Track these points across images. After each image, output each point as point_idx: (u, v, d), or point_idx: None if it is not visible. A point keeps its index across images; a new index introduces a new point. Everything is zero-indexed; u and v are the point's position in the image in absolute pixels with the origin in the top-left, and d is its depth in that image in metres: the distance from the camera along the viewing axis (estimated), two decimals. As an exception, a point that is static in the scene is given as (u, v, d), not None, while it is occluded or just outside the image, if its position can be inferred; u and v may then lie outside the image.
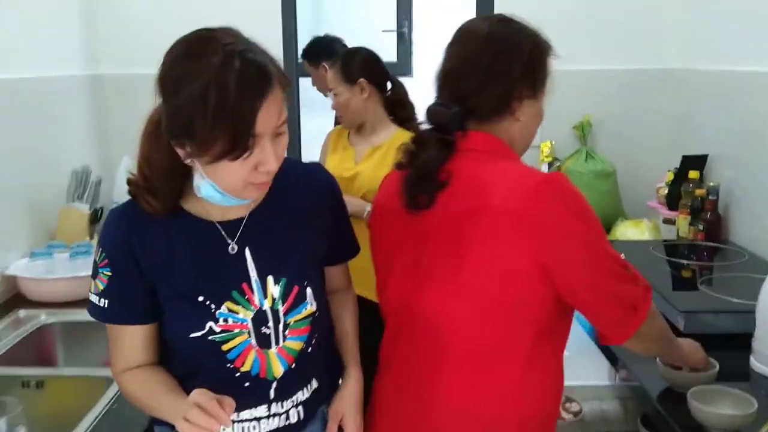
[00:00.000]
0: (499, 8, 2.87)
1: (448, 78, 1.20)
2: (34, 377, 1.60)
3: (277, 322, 1.16)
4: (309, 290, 1.18)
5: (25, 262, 2.08)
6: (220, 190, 1.06)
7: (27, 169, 2.23)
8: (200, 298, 1.12)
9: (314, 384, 1.25)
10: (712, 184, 2.38)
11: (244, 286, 1.14)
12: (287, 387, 1.20)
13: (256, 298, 1.14)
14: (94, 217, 2.34)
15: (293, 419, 1.22)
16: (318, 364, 1.25)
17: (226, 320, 1.12)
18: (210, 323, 1.12)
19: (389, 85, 2.25)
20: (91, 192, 2.35)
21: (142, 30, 2.79)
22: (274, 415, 1.19)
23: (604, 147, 2.86)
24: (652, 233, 2.52)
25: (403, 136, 2.02)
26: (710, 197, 2.36)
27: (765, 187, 2.17)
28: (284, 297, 1.16)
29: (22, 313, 1.95)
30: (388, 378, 1.28)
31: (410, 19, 3.68)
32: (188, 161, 1.04)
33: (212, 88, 0.96)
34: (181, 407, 1.03)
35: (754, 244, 2.19)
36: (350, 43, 2.85)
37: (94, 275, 1.15)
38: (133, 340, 1.16)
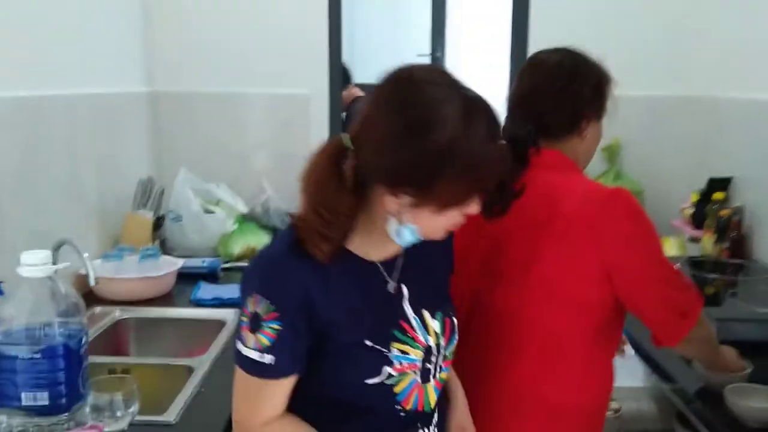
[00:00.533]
0: (532, 38, 3.04)
1: (522, 100, 1.37)
2: (120, 365, 1.75)
3: (438, 356, 1.16)
4: (455, 320, 1.21)
5: (99, 263, 2.23)
6: (418, 235, 1.05)
7: (98, 178, 2.40)
8: (368, 343, 1.08)
9: None
10: (737, 204, 2.53)
11: (403, 323, 1.12)
12: (436, 415, 1.22)
13: (420, 336, 1.13)
14: (157, 223, 2.50)
15: None
16: None
17: (400, 363, 1.10)
18: (386, 367, 1.08)
19: None
20: (155, 201, 2.51)
21: (193, 51, 2.97)
22: None
23: (631, 168, 3.01)
24: (678, 250, 2.67)
25: None
26: (735, 217, 2.51)
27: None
28: (443, 331, 1.17)
29: (97, 309, 2.09)
30: (457, 368, 1.43)
31: (443, 44, 3.88)
32: (394, 208, 1.02)
33: (461, 139, 0.95)
34: None
35: (776, 260, 2.34)
36: (387, 67, 3.06)
37: (255, 329, 1.05)
38: (285, 391, 1.09)
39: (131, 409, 1.29)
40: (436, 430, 1.22)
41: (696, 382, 1.60)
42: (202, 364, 1.74)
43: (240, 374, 1.10)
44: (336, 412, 1.12)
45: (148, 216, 2.49)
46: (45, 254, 1.28)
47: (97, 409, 1.28)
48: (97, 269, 2.19)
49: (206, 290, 2.29)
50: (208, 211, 2.72)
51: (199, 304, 2.20)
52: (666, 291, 1.29)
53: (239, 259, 2.65)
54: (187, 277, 2.37)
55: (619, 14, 2.96)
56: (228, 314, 2.11)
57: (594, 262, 1.23)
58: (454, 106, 0.97)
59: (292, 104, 3.04)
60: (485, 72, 3.78)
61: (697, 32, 2.90)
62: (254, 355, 1.06)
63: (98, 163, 2.41)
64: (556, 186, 1.29)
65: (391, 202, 1.02)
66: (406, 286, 1.14)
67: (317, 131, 3.04)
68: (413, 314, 1.13)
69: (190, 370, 1.71)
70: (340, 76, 3.10)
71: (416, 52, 3.76)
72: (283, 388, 1.09)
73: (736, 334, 1.79)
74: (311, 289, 1.05)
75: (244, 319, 1.07)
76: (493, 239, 1.34)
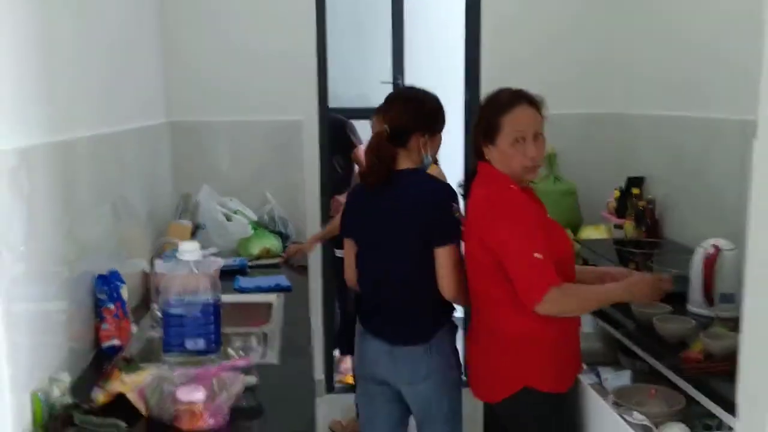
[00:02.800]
0: (484, 69, 3.71)
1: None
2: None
3: None
4: None
5: (159, 263, 2.74)
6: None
7: (146, 193, 2.90)
8: None
9: None
10: (650, 197, 3.27)
11: None
12: None
13: None
14: (195, 229, 3.02)
15: None
16: None
17: None
18: None
19: None
20: (192, 211, 3.04)
21: (200, 86, 3.50)
22: None
23: (566, 172, 3.72)
24: (606, 234, 3.39)
25: None
26: (649, 207, 3.25)
27: (688, 200, 3.07)
28: None
29: (153, 306, 2.59)
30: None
31: (403, 72, 4.52)
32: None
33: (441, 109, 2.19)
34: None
35: (681, 238, 3.08)
36: (353, 92, 3.75)
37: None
38: None
39: (257, 351, 1.86)
40: None
41: (632, 322, 2.28)
42: (272, 330, 2.30)
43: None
44: None
45: (188, 224, 3.01)
46: (195, 244, 1.83)
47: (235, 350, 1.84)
48: (159, 268, 2.72)
49: (244, 281, 2.83)
50: (228, 220, 3.26)
51: (243, 291, 2.74)
52: (516, 269, 1.90)
53: (258, 258, 3.20)
54: (222, 273, 2.90)
55: (555, 48, 3.66)
56: (270, 297, 2.67)
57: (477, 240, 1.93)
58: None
59: (287, 128, 3.61)
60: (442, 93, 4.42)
61: (617, 61, 3.65)
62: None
63: (142, 183, 2.91)
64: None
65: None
66: None
67: (309, 150, 3.63)
68: None
69: (264, 335, 2.27)
70: (326, 102, 3.69)
71: (380, 79, 4.39)
72: None
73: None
74: None
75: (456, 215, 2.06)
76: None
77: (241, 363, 1.75)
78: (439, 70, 4.44)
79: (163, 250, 2.60)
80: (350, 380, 4.11)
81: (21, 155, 1.57)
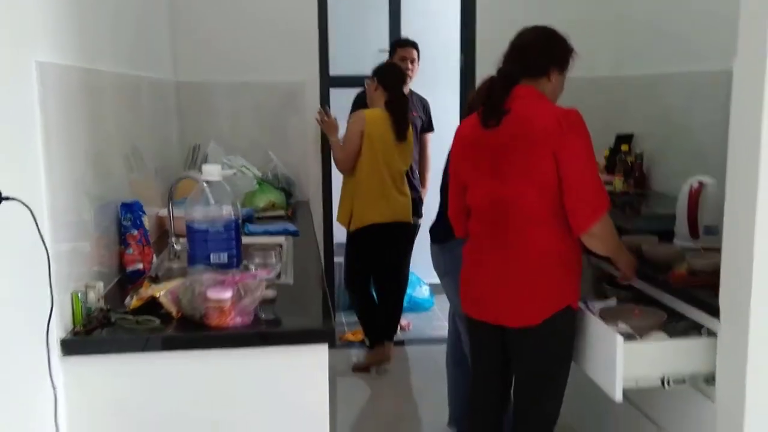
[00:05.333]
0: (478, 33, 3.86)
1: (514, 51, 2.15)
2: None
3: None
4: None
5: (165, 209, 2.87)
6: None
7: (157, 145, 3.03)
8: None
9: None
10: (638, 152, 3.43)
11: None
12: None
13: None
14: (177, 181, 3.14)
15: None
16: None
17: None
18: None
19: None
20: (201, 163, 3.16)
21: (206, 48, 3.63)
22: None
23: (557, 134, 3.88)
24: (597, 190, 3.55)
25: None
26: (637, 162, 3.41)
27: (670, 155, 3.24)
28: None
29: (172, 240, 2.73)
30: (481, 240, 2.18)
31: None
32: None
33: None
34: None
35: (666, 188, 3.25)
36: (356, 60, 3.95)
37: None
38: None
39: (277, 266, 1.99)
40: None
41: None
42: (285, 262, 2.44)
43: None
44: None
45: (188, 175, 3.13)
46: (218, 167, 1.97)
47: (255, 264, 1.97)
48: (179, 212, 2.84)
49: (253, 227, 2.97)
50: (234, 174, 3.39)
51: (252, 234, 2.88)
52: (582, 185, 1.99)
53: (264, 210, 3.33)
54: (231, 221, 3.05)
55: (547, 12, 3.76)
56: (280, 239, 2.81)
57: (550, 156, 2.00)
58: None
59: (290, 90, 3.75)
60: (439, 57, 4.58)
61: (606, 23, 3.81)
62: None
63: (154, 134, 3.03)
64: (529, 109, 2.07)
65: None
66: None
67: (311, 110, 3.76)
68: None
69: (280, 246, 2.42)
70: (327, 65, 3.82)
71: (377, 47, 4.53)
72: None
73: (650, 225, 2.67)
74: None
75: None
76: (494, 154, 2.10)
77: (263, 274, 1.89)
78: (435, 35, 4.60)
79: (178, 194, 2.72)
80: (349, 337, 4.27)
81: (58, 71, 1.70)
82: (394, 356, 3.94)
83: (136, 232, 2.20)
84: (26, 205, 1.36)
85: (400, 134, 3.66)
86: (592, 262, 2.56)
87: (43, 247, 1.50)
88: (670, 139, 3.28)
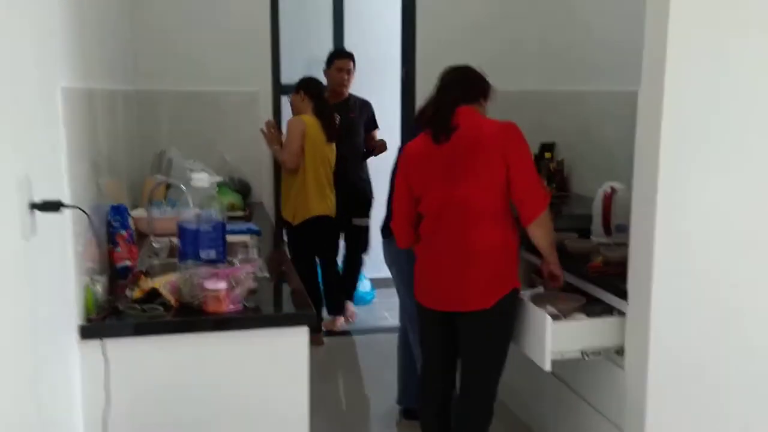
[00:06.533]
0: (419, 38, 4.21)
1: (453, 83, 2.52)
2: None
3: None
4: None
5: (143, 210, 3.11)
6: None
7: (126, 151, 3.25)
8: None
9: None
10: (560, 159, 3.88)
11: None
12: None
13: None
14: (168, 186, 3.38)
15: None
16: None
17: None
18: None
19: None
20: (166, 168, 3.40)
21: (164, 58, 3.86)
22: None
23: (489, 141, 4.29)
24: (524, 192, 3.97)
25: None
26: (559, 167, 3.85)
27: (587, 162, 3.70)
28: None
29: (152, 239, 2.98)
30: (435, 239, 2.53)
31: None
32: None
33: None
34: None
35: (583, 191, 3.70)
36: (302, 70, 4.30)
37: None
38: None
39: (258, 260, 2.29)
40: None
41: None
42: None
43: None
44: None
45: (163, 179, 3.37)
46: (206, 175, 2.25)
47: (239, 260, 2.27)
48: (145, 213, 3.09)
49: (218, 227, 3.23)
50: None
51: (219, 234, 3.14)
52: (530, 182, 2.40)
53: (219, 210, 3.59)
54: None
55: (480, 32, 4.20)
56: (245, 238, 3.09)
57: (500, 160, 2.38)
58: None
59: (244, 98, 4.02)
60: (381, 71, 4.93)
61: (531, 45, 4.24)
62: None
63: (123, 142, 3.26)
64: (478, 122, 2.45)
65: None
66: None
67: (264, 117, 4.05)
68: None
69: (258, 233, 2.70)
70: (279, 75, 4.12)
71: (322, 58, 4.84)
72: None
73: (571, 223, 3.09)
74: None
75: None
76: (447, 164, 2.46)
77: (248, 268, 2.19)
78: (377, 49, 4.96)
79: (153, 197, 2.97)
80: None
81: (73, 94, 1.95)
82: (343, 345, 4.33)
83: (124, 232, 2.44)
84: (84, 212, 1.62)
85: (330, 136, 4.18)
86: (523, 256, 2.96)
87: (72, 248, 1.76)
88: (586, 149, 3.74)
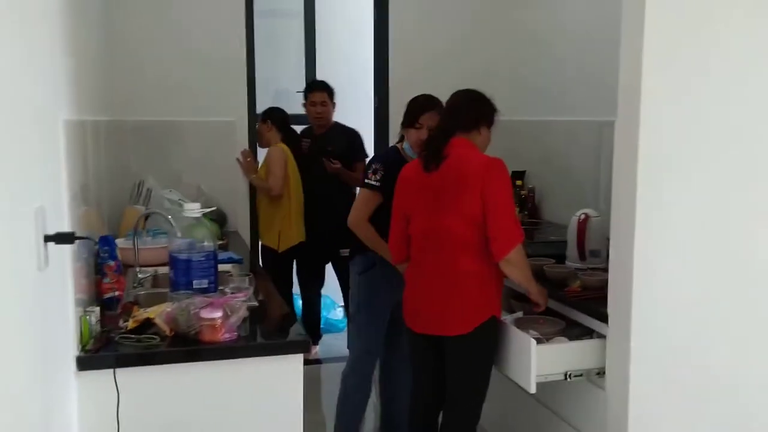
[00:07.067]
0: (391, 80, 4.32)
1: (449, 110, 2.60)
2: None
3: None
4: None
5: (123, 241, 3.10)
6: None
7: (105, 182, 3.25)
8: None
9: None
10: (530, 187, 3.99)
11: None
12: None
13: None
14: (146, 215, 3.38)
15: None
16: None
17: None
18: None
19: None
20: (146, 198, 3.41)
21: (142, 88, 3.87)
22: None
23: (460, 169, 4.39)
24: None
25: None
26: (530, 195, 3.97)
27: (556, 190, 3.82)
28: None
29: (137, 269, 2.97)
30: (422, 263, 2.59)
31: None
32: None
33: None
34: None
35: (554, 218, 3.82)
36: (275, 101, 4.34)
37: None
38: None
39: (250, 289, 2.32)
40: None
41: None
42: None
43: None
44: None
45: (141, 208, 3.37)
46: (198, 205, 2.28)
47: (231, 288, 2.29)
48: (127, 243, 3.08)
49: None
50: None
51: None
52: (503, 220, 2.46)
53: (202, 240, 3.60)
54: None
55: (449, 63, 4.31)
56: (227, 267, 3.11)
57: (478, 195, 2.46)
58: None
59: (220, 128, 4.05)
60: (354, 99, 5.01)
61: (500, 74, 4.36)
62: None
63: (102, 172, 3.26)
64: (467, 155, 2.53)
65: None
66: None
67: (240, 147, 4.08)
68: None
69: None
70: (255, 105, 4.17)
71: (294, 89, 4.90)
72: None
73: (545, 250, 3.19)
74: None
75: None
76: (433, 192, 2.54)
77: (241, 296, 2.21)
78: (348, 78, 5.05)
79: (138, 228, 2.97)
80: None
81: (72, 126, 1.97)
82: (316, 374, 4.36)
83: (112, 263, 2.44)
84: (94, 240, 1.63)
85: (299, 166, 4.33)
86: (503, 283, 3.04)
87: (72, 279, 1.77)
88: (555, 177, 3.87)
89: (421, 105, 3.02)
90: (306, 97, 4.54)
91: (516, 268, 2.53)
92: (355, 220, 3.07)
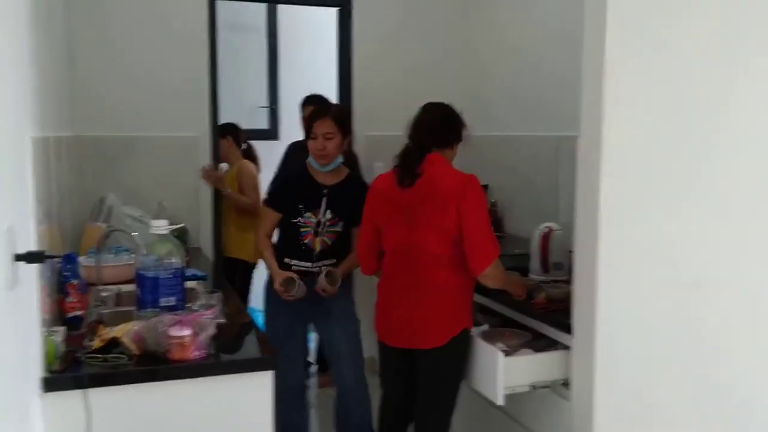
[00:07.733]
0: (355, 90, 4.35)
1: (423, 125, 2.62)
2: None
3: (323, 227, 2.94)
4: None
5: (84, 258, 3.05)
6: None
7: (65, 198, 3.19)
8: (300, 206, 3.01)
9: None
10: (493, 200, 4.05)
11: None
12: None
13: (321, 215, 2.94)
14: (109, 232, 3.33)
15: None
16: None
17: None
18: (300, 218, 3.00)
19: None
20: (106, 215, 3.36)
21: (105, 103, 3.82)
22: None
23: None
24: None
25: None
26: (493, 208, 4.03)
27: (518, 203, 3.88)
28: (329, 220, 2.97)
29: (100, 288, 2.92)
30: (394, 277, 2.61)
31: (277, 98, 5.05)
32: None
33: None
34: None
35: (516, 231, 3.88)
36: (238, 116, 4.37)
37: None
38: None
39: (218, 306, 2.30)
40: (321, 266, 3.01)
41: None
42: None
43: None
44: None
45: (102, 226, 3.32)
46: (165, 222, 2.26)
47: (199, 306, 2.27)
48: (89, 261, 3.03)
49: (162, 273, 3.20)
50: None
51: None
52: (480, 236, 2.52)
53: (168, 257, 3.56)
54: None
55: (413, 82, 4.35)
56: (192, 284, 3.08)
57: (454, 211, 2.49)
58: None
59: (183, 143, 4.02)
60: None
61: (465, 88, 4.42)
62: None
63: (63, 189, 3.20)
64: (442, 172, 2.55)
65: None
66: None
67: (203, 163, 4.05)
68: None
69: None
70: (217, 121, 4.15)
71: (257, 104, 4.90)
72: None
73: (507, 263, 3.23)
74: None
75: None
76: (408, 207, 2.56)
77: (209, 314, 2.20)
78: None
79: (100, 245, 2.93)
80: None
81: (38, 143, 1.94)
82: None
83: (75, 282, 2.40)
84: (62, 258, 1.61)
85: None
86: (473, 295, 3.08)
87: (37, 298, 1.74)
88: (516, 191, 3.94)
89: (310, 116, 3.11)
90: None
91: (493, 280, 2.60)
92: (257, 236, 3.25)
